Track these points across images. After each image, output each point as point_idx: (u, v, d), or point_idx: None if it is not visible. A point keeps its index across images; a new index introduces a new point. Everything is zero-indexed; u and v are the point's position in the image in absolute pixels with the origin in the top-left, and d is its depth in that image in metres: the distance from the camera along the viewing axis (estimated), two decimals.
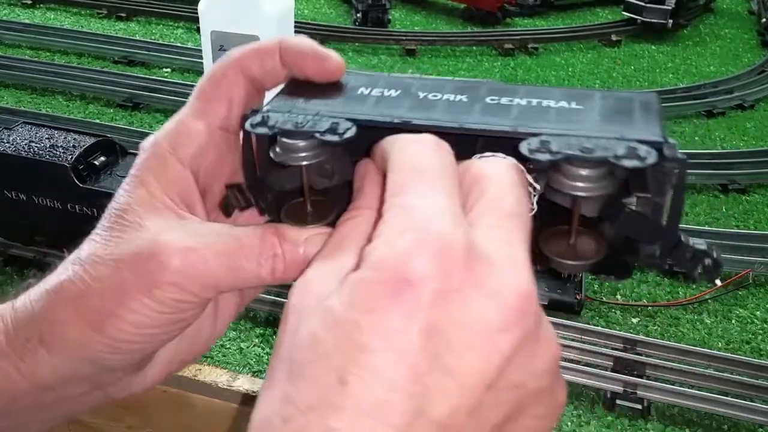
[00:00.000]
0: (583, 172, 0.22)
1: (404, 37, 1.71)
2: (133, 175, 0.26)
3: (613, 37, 1.78)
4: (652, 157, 0.21)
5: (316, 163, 0.25)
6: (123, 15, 1.80)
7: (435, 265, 0.19)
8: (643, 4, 1.76)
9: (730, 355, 0.84)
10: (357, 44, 1.69)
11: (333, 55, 0.26)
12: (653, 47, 1.77)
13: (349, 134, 0.25)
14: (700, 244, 0.24)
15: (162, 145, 0.27)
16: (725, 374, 0.81)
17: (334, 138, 0.24)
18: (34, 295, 0.27)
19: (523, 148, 0.22)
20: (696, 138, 1.36)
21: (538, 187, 0.24)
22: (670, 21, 1.76)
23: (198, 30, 1.20)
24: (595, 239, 0.24)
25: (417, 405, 0.19)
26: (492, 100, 0.26)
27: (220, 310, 0.31)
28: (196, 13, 1.12)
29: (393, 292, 0.19)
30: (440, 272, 0.20)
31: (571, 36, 1.79)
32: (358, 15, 1.77)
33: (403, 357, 0.19)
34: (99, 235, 0.26)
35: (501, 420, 0.21)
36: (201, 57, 1.16)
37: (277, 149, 0.25)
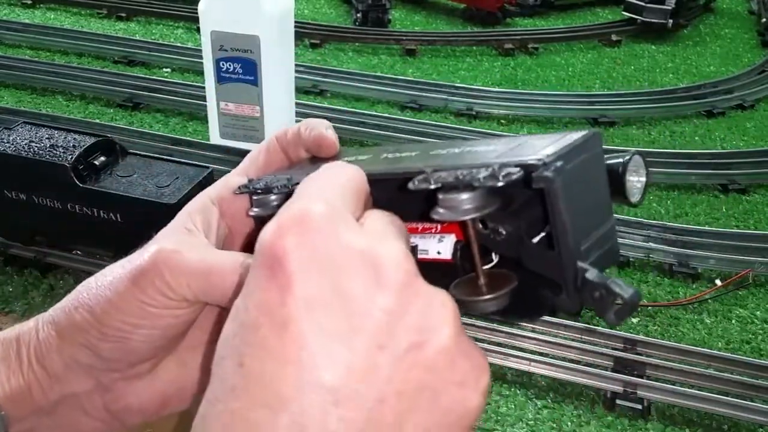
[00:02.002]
0: (461, 196, 0.23)
1: (404, 37, 1.70)
2: (177, 215, 0.31)
3: (613, 37, 1.78)
4: (511, 176, 0.21)
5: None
6: (123, 15, 1.80)
7: (296, 237, 0.21)
8: (643, 4, 1.76)
9: (730, 355, 0.84)
10: (357, 44, 1.69)
11: (327, 139, 0.32)
12: (653, 47, 1.77)
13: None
14: (606, 280, 0.22)
15: (206, 190, 0.32)
16: (725, 374, 0.81)
17: (287, 189, 0.28)
18: (63, 299, 0.30)
19: (411, 184, 0.24)
20: (696, 138, 1.36)
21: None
22: (670, 21, 1.76)
23: (198, 30, 1.20)
24: (505, 278, 0.24)
25: (308, 374, 0.20)
26: (435, 152, 0.28)
27: None
28: (196, 13, 1.12)
29: (267, 269, 0.21)
30: (302, 241, 0.21)
31: (571, 36, 1.78)
32: (358, 15, 1.77)
33: (285, 328, 0.20)
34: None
35: (410, 387, 0.20)
36: (201, 57, 1.17)
37: (253, 206, 0.30)
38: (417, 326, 0.21)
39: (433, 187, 0.23)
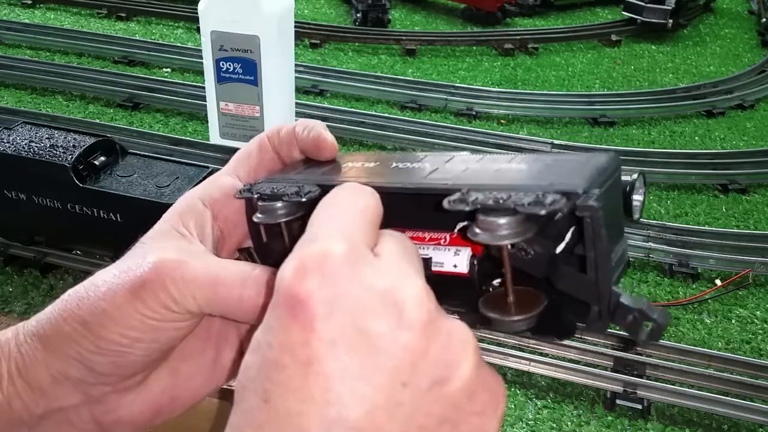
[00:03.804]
0: (501, 221, 0.23)
1: (404, 37, 1.70)
2: (164, 215, 0.30)
3: (613, 37, 1.78)
4: (557, 204, 0.22)
5: (293, 221, 0.29)
6: (123, 15, 1.80)
7: (318, 279, 0.21)
8: (643, 4, 1.76)
9: (730, 355, 0.84)
10: (357, 44, 1.69)
11: (326, 138, 0.32)
12: (653, 47, 1.77)
13: (311, 195, 0.28)
14: (641, 304, 0.23)
15: (194, 191, 0.31)
16: (725, 374, 0.81)
17: (298, 198, 0.28)
18: (49, 306, 0.29)
19: (445, 202, 0.24)
20: (696, 138, 1.36)
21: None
22: (670, 21, 1.76)
23: (198, 30, 1.20)
24: (533, 296, 0.25)
25: (332, 412, 0.20)
26: (450, 164, 0.28)
27: (220, 357, 0.32)
28: (196, 13, 1.12)
29: (290, 309, 0.21)
30: (324, 282, 0.21)
31: (571, 36, 1.79)
32: (358, 15, 1.77)
33: (309, 367, 0.20)
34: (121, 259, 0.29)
35: (432, 421, 0.21)
36: (201, 57, 1.16)
37: (258, 213, 0.29)
38: (439, 362, 0.21)
39: (469, 209, 0.23)
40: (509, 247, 0.24)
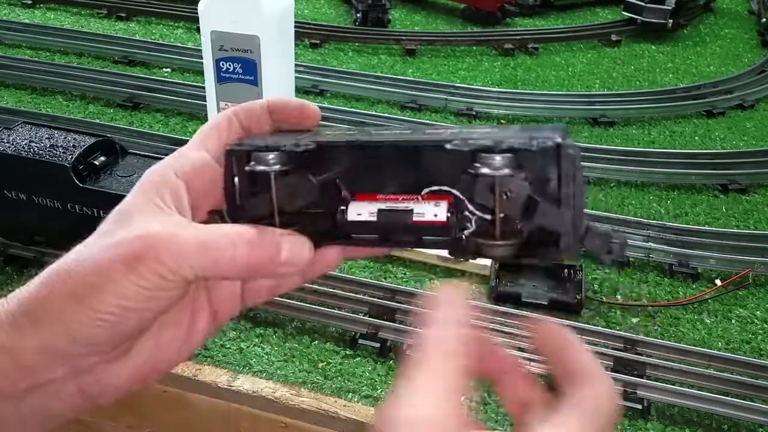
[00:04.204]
0: (498, 157, 0.28)
1: (404, 37, 1.70)
2: (136, 186, 0.31)
3: (613, 37, 1.78)
4: (547, 143, 0.28)
5: (286, 180, 0.31)
6: (123, 15, 1.80)
7: None
8: (643, 4, 1.76)
9: (730, 355, 0.84)
10: (357, 44, 1.69)
11: (310, 104, 0.35)
12: (653, 47, 1.77)
13: (308, 147, 0.31)
14: (606, 229, 0.29)
15: (163, 164, 0.33)
16: (725, 374, 0.81)
17: (296, 148, 0.30)
18: (26, 286, 0.30)
19: (448, 145, 0.29)
20: (696, 138, 1.36)
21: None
22: (670, 21, 1.76)
23: (198, 30, 1.20)
24: (514, 230, 0.29)
25: None
26: (429, 132, 0.32)
27: (195, 324, 0.34)
28: (196, 13, 1.12)
29: None
30: None
31: (571, 36, 1.79)
32: (358, 15, 1.77)
33: None
34: (95, 232, 0.31)
35: None
36: (201, 57, 1.17)
37: (252, 163, 0.31)
38: None
39: (470, 149, 0.28)
40: (499, 184, 0.29)
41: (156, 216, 0.30)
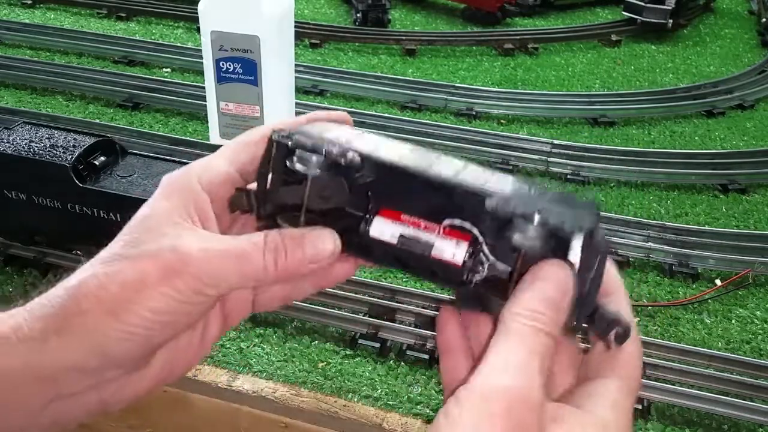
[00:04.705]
0: (531, 229, 0.28)
1: (404, 37, 1.70)
2: (159, 191, 0.31)
3: (613, 37, 1.78)
4: (582, 231, 0.28)
5: (320, 180, 0.31)
6: (123, 15, 1.80)
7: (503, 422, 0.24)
8: (643, 4, 1.76)
9: (730, 355, 0.84)
10: (357, 44, 1.69)
11: (349, 119, 0.35)
12: (653, 47, 1.77)
13: (354, 161, 0.31)
14: (612, 313, 0.30)
15: (189, 171, 0.32)
16: (725, 374, 0.81)
17: (340, 159, 0.30)
18: (51, 294, 0.29)
19: (490, 204, 0.29)
20: (696, 138, 1.36)
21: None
22: (670, 21, 1.76)
23: (198, 30, 1.20)
24: None
25: None
26: (473, 170, 0.32)
27: (208, 331, 0.34)
28: (196, 13, 1.12)
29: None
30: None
31: (571, 36, 1.78)
32: (358, 15, 1.77)
33: None
34: (120, 239, 0.30)
35: None
36: (201, 57, 1.17)
37: (294, 158, 0.31)
38: None
39: (511, 216, 0.28)
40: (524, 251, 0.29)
41: (185, 228, 0.30)
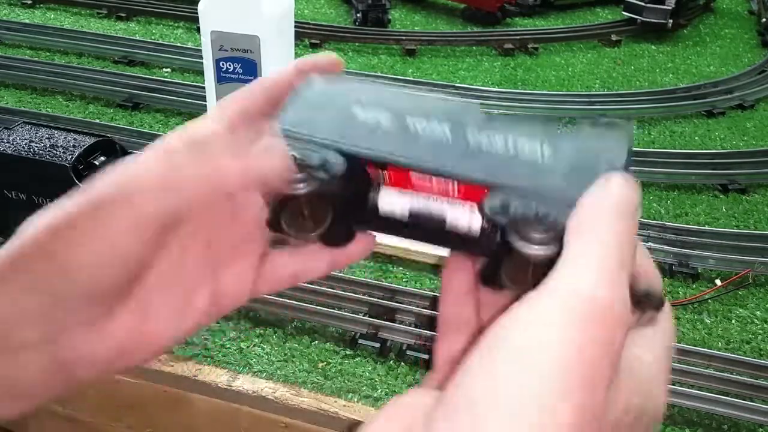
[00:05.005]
0: (535, 235, 0.25)
1: (404, 37, 1.70)
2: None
3: (613, 37, 1.78)
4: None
5: (312, 192, 0.29)
6: (123, 15, 1.80)
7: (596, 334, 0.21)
8: (643, 4, 1.76)
9: (730, 355, 0.84)
10: (357, 44, 1.69)
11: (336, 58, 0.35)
12: (653, 47, 1.77)
13: (338, 170, 0.29)
14: (643, 286, 0.27)
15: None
16: (725, 374, 0.81)
17: (324, 176, 0.29)
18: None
19: (486, 208, 0.26)
20: (696, 138, 1.36)
21: None
22: (670, 21, 1.76)
23: (198, 30, 1.20)
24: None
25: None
26: (472, 135, 0.29)
27: (191, 301, 0.31)
28: (196, 13, 1.12)
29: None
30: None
31: (571, 36, 1.78)
32: (358, 15, 1.77)
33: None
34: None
35: None
36: (201, 57, 1.17)
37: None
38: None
39: (507, 221, 0.26)
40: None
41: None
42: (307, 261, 0.34)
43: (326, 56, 0.33)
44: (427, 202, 0.29)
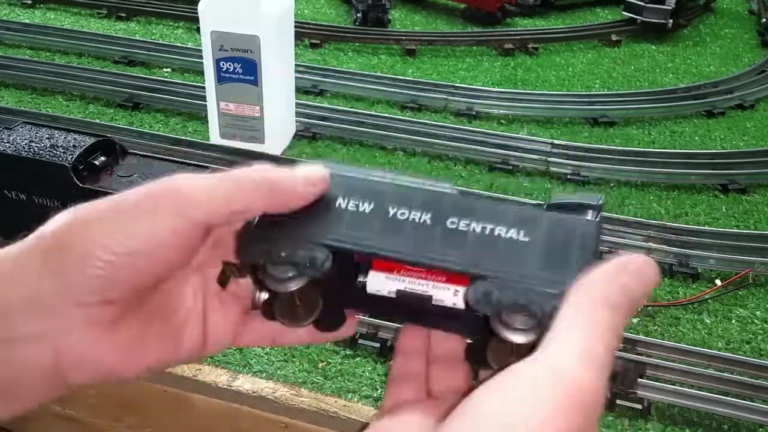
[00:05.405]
0: (518, 325, 0.26)
1: (404, 37, 1.70)
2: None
3: (613, 37, 1.78)
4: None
5: (300, 288, 0.30)
6: (123, 15, 1.80)
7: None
8: (643, 4, 1.76)
9: (730, 355, 0.84)
10: (357, 44, 1.69)
11: (314, 175, 0.31)
12: (653, 47, 1.77)
13: (326, 266, 0.29)
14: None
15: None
16: (725, 374, 0.81)
17: (313, 273, 0.29)
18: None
19: (470, 298, 0.27)
20: (696, 138, 1.36)
21: None
22: (670, 21, 1.76)
23: (198, 30, 1.20)
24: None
25: None
26: (452, 223, 0.30)
27: (183, 333, 0.32)
28: (196, 13, 1.12)
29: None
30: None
31: (571, 36, 1.78)
32: (358, 15, 1.77)
33: None
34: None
35: None
36: (201, 57, 1.17)
37: (267, 278, 0.30)
38: None
39: (491, 312, 0.27)
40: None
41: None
42: (289, 331, 0.35)
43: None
44: (411, 284, 0.30)
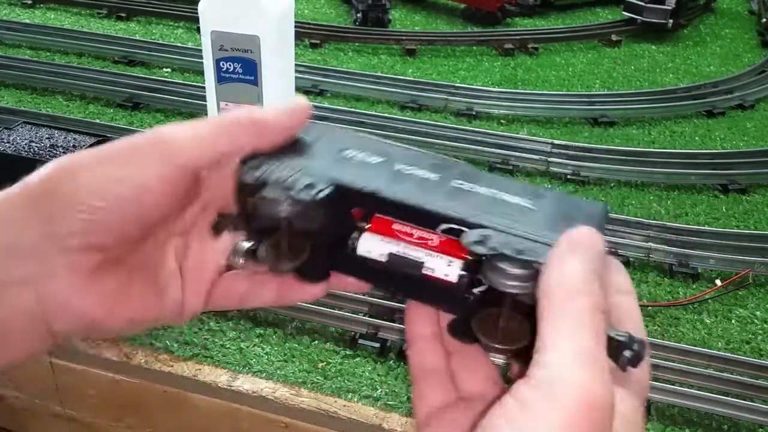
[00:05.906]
0: (512, 270, 0.25)
1: (404, 37, 1.70)
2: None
3: (613, 37, 1.78)
4: None
5: (293, 214, 0.29)
6: (123, 15, 1.80)
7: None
8: (643, 4, 1.76)
9: (730, 355, 0.84)
10: (357, 44, 1.69)
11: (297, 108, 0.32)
12: (653, 47, 1.77)
13: (322, 194, 0.28)
14: (621, 335, 0.25)
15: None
16: (725, 374, 0.81)
17: (307, 197, 0.28)
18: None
19: (464, 239, 0.26)
20: (696, 138, 1.36)
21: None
22: (670, 21, 1.76)
23: (198, 30, 1.20)
24: (522, 326, 0.27)
25: None
26: (458, 183, 0.30)
27: (166, 290, 0.32)
28: (196, 13, 1.12)
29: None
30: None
31: (571, 36, 1.78)
32: (358, 15, 1.77)
33: None
34: None
35: None
36: (201, 57, 1.17)
37: (263, 196, 0.29)
38: None
39: (486, 253, 0.25)
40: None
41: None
42: (256, 288, 0.34)
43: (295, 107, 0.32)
44: (406, 249, 0.30)
